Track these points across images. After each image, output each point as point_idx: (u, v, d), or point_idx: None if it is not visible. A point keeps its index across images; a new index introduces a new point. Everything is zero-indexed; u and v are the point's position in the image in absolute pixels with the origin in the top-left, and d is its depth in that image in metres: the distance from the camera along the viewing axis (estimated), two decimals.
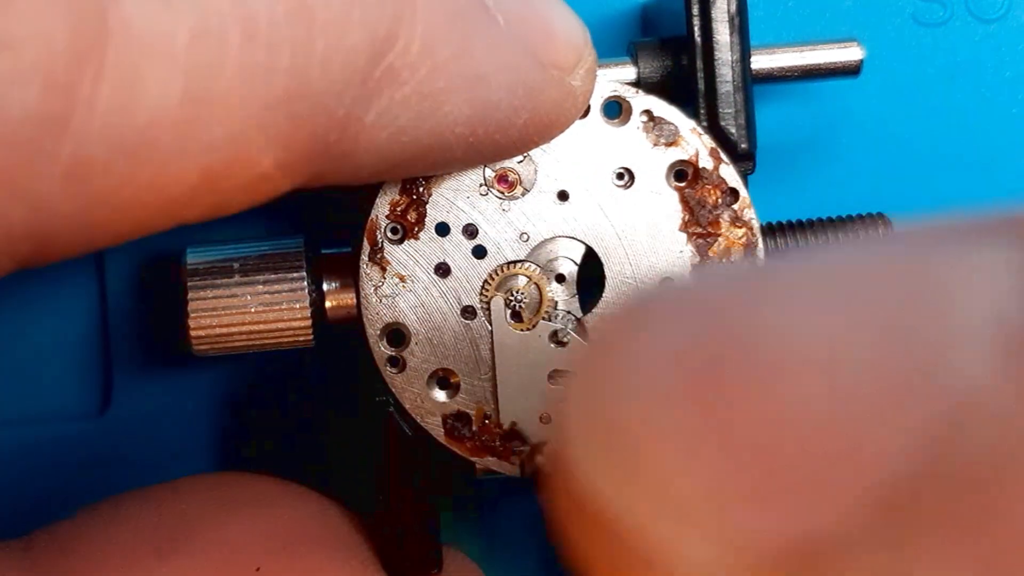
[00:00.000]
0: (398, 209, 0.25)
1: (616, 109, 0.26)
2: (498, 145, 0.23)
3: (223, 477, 0.27)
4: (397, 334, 0.26)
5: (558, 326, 0.26)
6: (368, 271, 0.25)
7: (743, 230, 0.26)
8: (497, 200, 0.25)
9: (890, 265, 0.14)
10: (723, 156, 0.25)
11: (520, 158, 0.25)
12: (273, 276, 0.26)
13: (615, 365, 0.14)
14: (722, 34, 0.26)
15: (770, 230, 0.27)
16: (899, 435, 0.12)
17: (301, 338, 0.26)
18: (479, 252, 0.26)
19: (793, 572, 0.13)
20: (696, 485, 0.13)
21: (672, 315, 0.14)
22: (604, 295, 0.26)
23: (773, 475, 0.13)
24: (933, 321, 0.13)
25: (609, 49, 0.27)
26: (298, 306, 0.26)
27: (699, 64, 0.26)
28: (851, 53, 0.27)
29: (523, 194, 0.25)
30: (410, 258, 0.25)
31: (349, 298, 0.26)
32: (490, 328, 0.26)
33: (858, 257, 0.14)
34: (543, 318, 0.26)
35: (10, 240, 0.18)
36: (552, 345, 0.26)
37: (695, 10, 0.26)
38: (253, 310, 0.26)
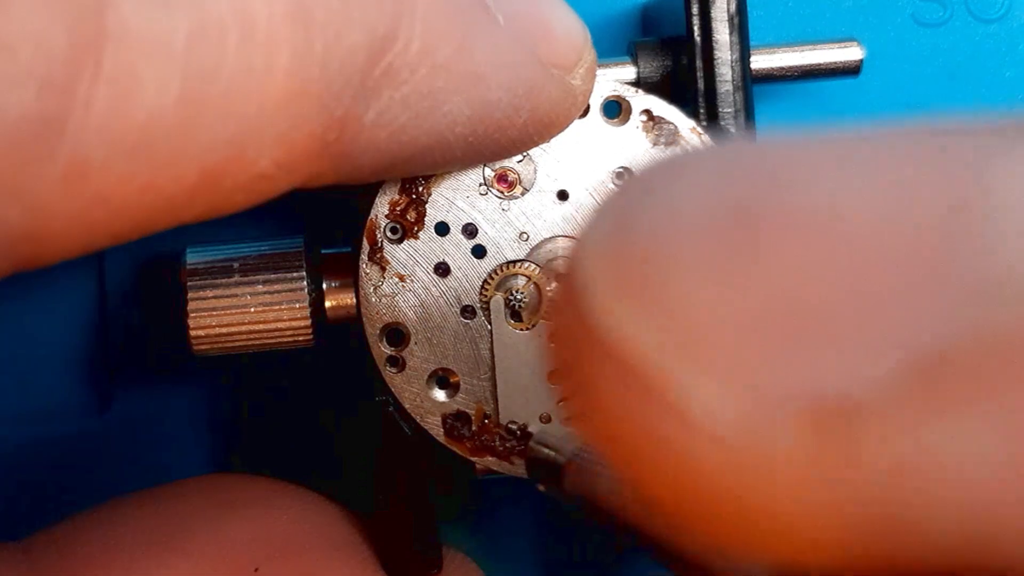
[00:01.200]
0: (397, 208, 0.25)
1: (616, 109, 0.26)
2: (498, 144, 0.23)
3: (221, 478, 0.27)
4: (397, 334, 0.26)
5: None
6: (368, 271, 0.25)
7: None
8: (497, 199, 0.25)
9: (930, 148, 0.13)
10: None
11: (520, 157, 0.25)
12: (273, 276, 0.26)
13: (644, 199, 0.13)
14: (722, 33, 0.26)
15: None
16: (938, 303, 0.12)
17: (301, 338, 0.26)
18: (479, 252, 0.26)
19: (820, 431, 0.12)
20: (723, 325, 0.12)
21: (709, 165, 0.14)
22: None
23: (808, 326, 0.12)
24: (977, 201, 0.13)
25: (609, 49, 0.27)
26: (298, 306, 0.26)
27: (699, 64, 0.26)
28: (851, 53, 0.27)
29: (523, 193, 0.25)
30: (410, 258, 0.25)
31: (349, 298, 0.26)
32: (490, 328, 0.26)
33: (896, 135, 0.14)
34: (543, 317, 0.26)
35: (8, 241, 0.18)
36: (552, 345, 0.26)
37: (695, 10, 0.26)
38: (253, 310, 0.26)
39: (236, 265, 0.26)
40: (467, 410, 0.26)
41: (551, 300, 0.14)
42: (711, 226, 0.13)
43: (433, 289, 0.26)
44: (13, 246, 0.19)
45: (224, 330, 0.26)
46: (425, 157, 0.22)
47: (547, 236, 0.26)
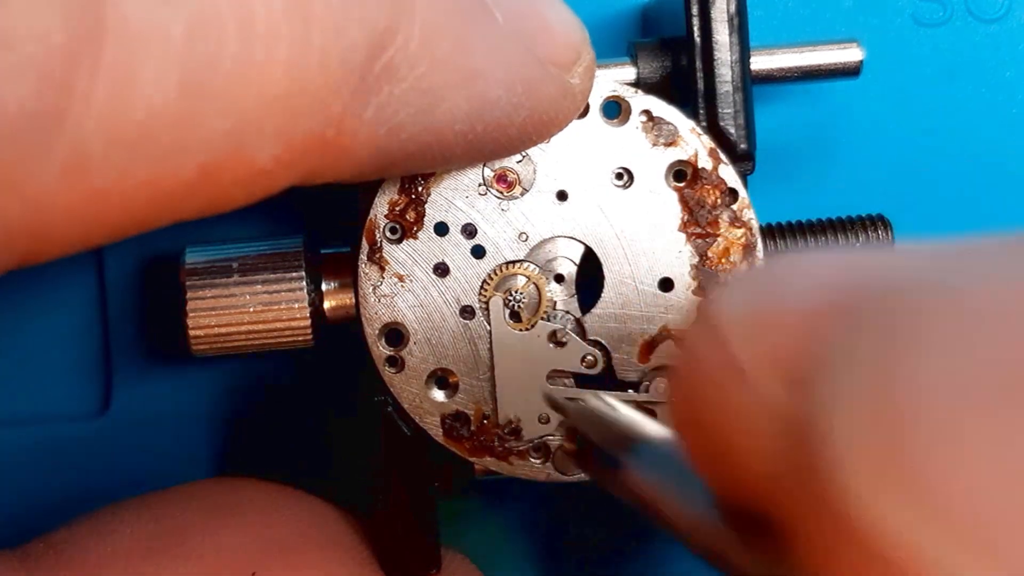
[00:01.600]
0: (397, 208, 0.25)
1: (615, 109, 0.26)
2: (497, 143, 0.23)
3: (219, 483, 0.27)
4: (396, 334, 0.26)
5: (557, 326, 0.26)
6: (367, 271, 0.25)
7: (742, 230, 0.26)
8: (496, 200, 0.25)
9: None
10: (722, 156, 0.25)
11: (519, 157, 0.25)
12: (272, 276, 0.26)
13: (911, 348, 0.11)
14: (721, 34, 0.26)
15: (769, 231, 0.27)
16: None
17: (300, 338, 0.26)
18: (478, 252, 0.26)
19: None
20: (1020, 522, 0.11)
21: (985, 306, 0.11)
22: (603, 295, 0.26)
23: None
24: None
25: (609, 49, 0.27)
26: (297, 306, 0.26)
27: (698, 64, 0.26)
28: (851, 54, 0.26)
29: (522, 194, 0.25)
30: (409, 258, 0.25)
31: (348, 298, 0.26)
32: (489, 328, 0.26)
33: None
34: (542, 318, 0.26)
35: (8, 236, 0.18)
36: (551, 345, 0.26)
37: (694, 10, 0.26)
38: (252, 310, 0.26)
39: (235, 265, 0.26)
40: (466, 410, 0.26)
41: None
42: (1004, 398, 0.11)
43: (432, 289, 0.26)
44: (12, 241, 0.18)
45: (223, 330, 0.26)
46: (424, 155, 0.22)
47: (546, 236, 0.26)
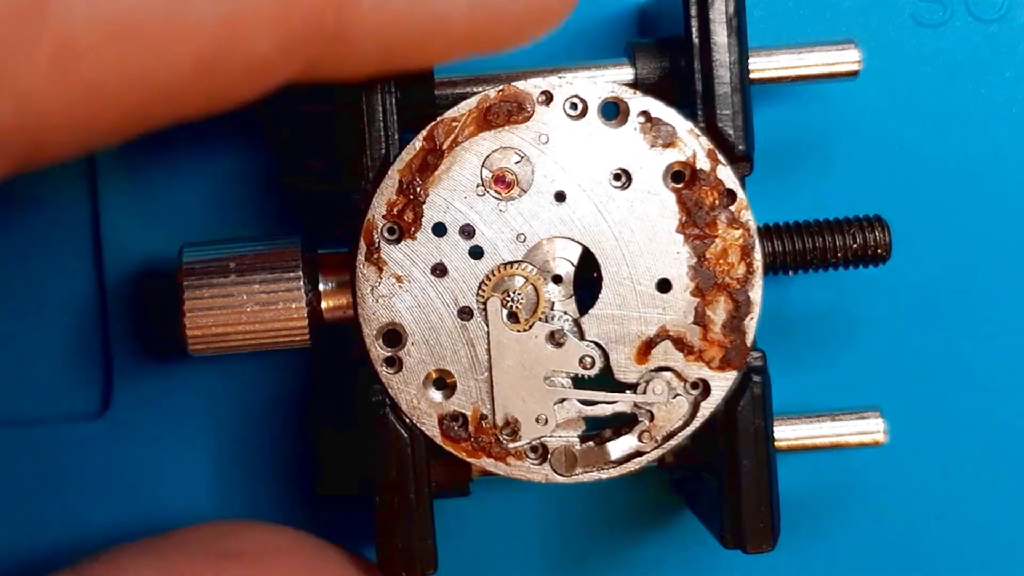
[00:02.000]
0: (395, 209, 0.25)
1: (614, 110, 0.26)
2: (494, 32, 0.22)
3: (220, 527, 0.27)
4: (393, 334, 0.26)
5: (555, 327, 0.26)
6: (364, 271, 0.25)
7: (740, 231, 0.25)
8: (494, 200, 0.25)
9: None
10: (720, 157, 0.25)
11: (517, 158, 0.25)
12: (269, 276, 0.26)
13: None
14: (720, 35, 0.25)
15: (767, 232, 0.27)
16: None
17: (297, 338, 0.26)
18: (476, 252, 0.25)
19: None
20: None
21: None
22: (601, 296, 0.26)
23: None
24: None
25: (607, 50, 0.27)
26: (294, 306, 0.26)
27: (697, 65, 0.26)
28: (848, 55, 0.26)
29: (520, 194, 0.25)
30: (407, 258, 0.25)
31: (346, 298, 0.26)
32: (487, 329, 0.26)
33: None
34: (540, 319, 0.26)
35: (2, 135, 0.18)
36: (549, 346, 0.26)
37: (693, 11, 0.26)
38: (249, 309, 0.26)
39: (233, 264, 0.26)
40: (464, 411, 0.26)
41: None
42: None
43: (430, 290, 0.26)
44: (7, 140, 0.18)
45: (220, 330, 0.26)
46: (423, 45, 0.22)
47: (544, 237, 0.26)
